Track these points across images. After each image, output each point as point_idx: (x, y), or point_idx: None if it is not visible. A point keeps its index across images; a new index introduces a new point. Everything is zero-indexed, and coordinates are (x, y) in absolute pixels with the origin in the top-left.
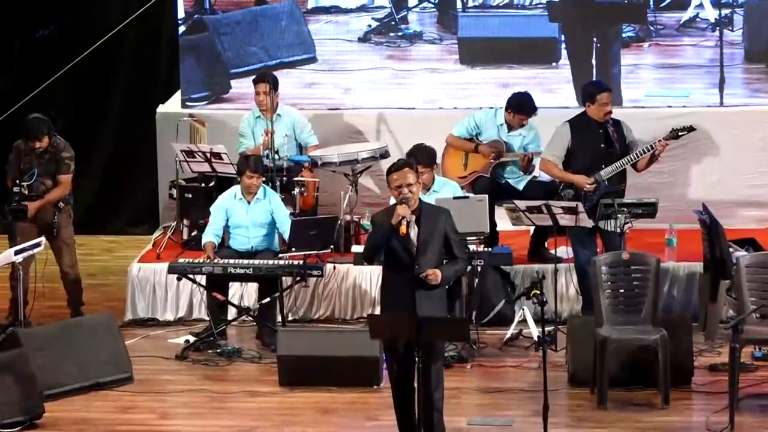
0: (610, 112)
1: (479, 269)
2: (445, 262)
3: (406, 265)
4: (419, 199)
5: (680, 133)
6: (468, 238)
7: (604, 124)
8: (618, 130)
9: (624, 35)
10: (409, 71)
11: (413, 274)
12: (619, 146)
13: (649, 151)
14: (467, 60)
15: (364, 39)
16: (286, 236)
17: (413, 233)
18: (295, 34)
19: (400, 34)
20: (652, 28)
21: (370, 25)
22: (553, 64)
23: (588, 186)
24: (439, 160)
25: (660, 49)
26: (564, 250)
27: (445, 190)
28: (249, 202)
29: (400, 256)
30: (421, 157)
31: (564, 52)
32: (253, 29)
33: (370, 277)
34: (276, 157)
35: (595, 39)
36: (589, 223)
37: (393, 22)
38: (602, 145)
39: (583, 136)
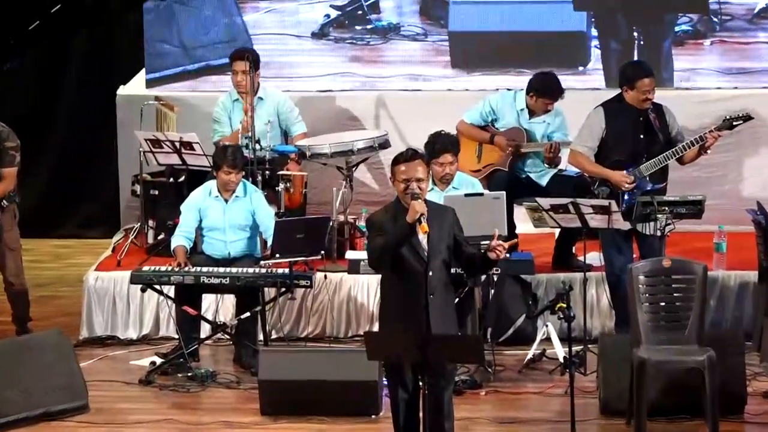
0: (651, 100)
1: (495, 279)
2: (452, 271)
3: (417, 272)
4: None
5: (735, 123)
6: (482, 242)
7: (644, 110)
8: (660, 117)
9: (677, 29)
10: (381, 78)
11: (425, 282)
12: (662, 136)
13: (697, 143)
14: (461, 63)
15: (319, 34)
16: (270, 240)
17: (422, 235)
18: (224, 28)
19: (369, 27)
20: (715, 19)
21: (328, 15)
22: (580, 68)
23: (627, 184)
24: None
25: (726, 48)
26: (595, 257)
27: (464, 187)
28: (226, 201)
29: (409, 262)
30: (448, 144)
31: (595, 52)
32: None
33: (367, 288)
34: (257, 147)
35: (637, 34)
36: (624, 226)
37: (360, 11)
38: (642, 135)
39: (619, 123)
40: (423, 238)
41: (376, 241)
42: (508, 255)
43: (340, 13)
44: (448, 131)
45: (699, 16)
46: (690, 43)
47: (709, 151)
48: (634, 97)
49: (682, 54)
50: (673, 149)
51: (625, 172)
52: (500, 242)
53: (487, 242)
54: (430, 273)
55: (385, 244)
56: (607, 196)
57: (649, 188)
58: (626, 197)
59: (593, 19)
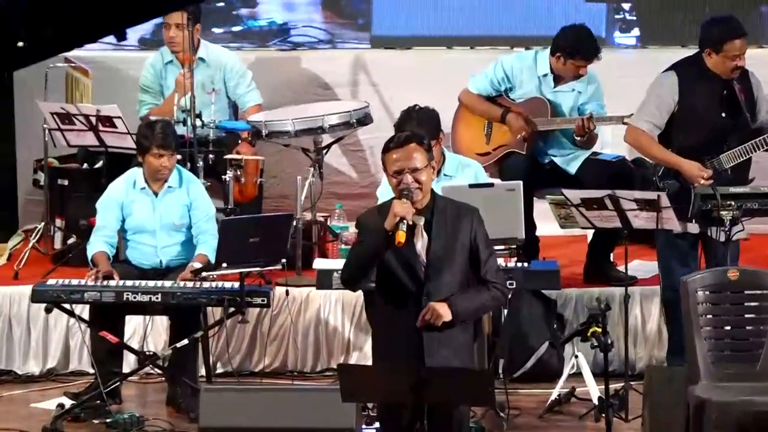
0: (741, 68)
1: (510, 295)
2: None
3: (410, 293)
4: (432, 192)
5: None
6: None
7: (728, 80)
8: (745, 87)
9: None
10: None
11: (418, 308)
12: (750, 115)
13: None
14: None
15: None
16: (212, 245)
17: (420, 244)
18: None
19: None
20: None
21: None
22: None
23: (703, 179)
24: (447, 129)
25: None
26: (641, 266)
27: (463, 173)
28: (156, 194)
29: (399, 280)
30: (419, 124)
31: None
32: None
33: (341, 308)
34: (198, 123)
35: None
36: (676, 227)
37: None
38: (724, 114)
39: (697, 95)
40: (420, 249)
41: (352, 252)
42: (525, 264)
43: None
44: (423, 106)
45: None
46: None
47: None
48: (719, 63)
49: None
50: (764, 138)
51: (699, 162)
52: (435, 306)
53: (500, 252)
54: (425, 297)
55: (357, 257)
56: (676, 192)
57: (731, 184)
58: None
59: None
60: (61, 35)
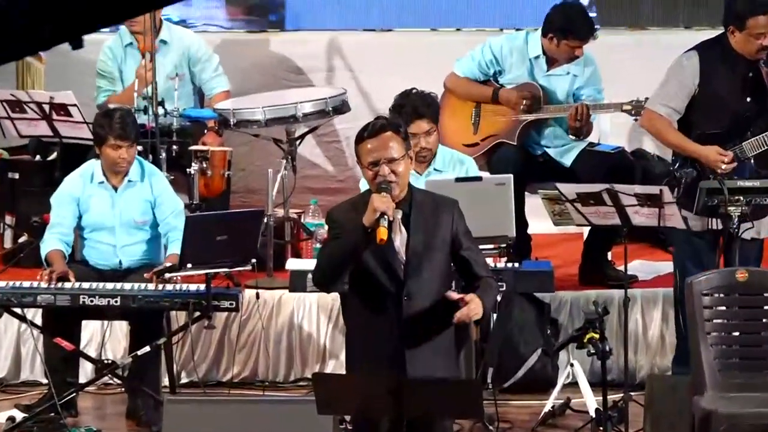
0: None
1: (499, 299)
2: (450, 288)
3: (388, 293)
4: (409, 184)
5: None
6: (481, 247)
7: (754, 61)
8: None
9: None
10: None
11: (398, 309)
12: None
13: None
14: None
15: None
16: (173, 246)
17: (399, 240)
18: None
19: None
20: None
21: None
22: None
23: (724, 164)
24: None
25: None
26: (640, 266)
27: (454, 171)
28: (116, 188)
29: (377, 279)
30: (422, 106)
31: None
32: None
33: (317, 313)
34: (160, 111)
35: None
36: (680, 224)
37: None
38: (749, 98)
39: (719, 78)
40: (399, 246)
41: (324, 250)
42: (516, 265)
43: None
44: (426, 90)
45: None
46: None
47: None
48: (743, 42)
49: None
50: None
51: (720, 148)
52: (459, 297)
53: (488, 251)
54: (406, 297)
55: (331, 256)
56: (693, 181)
57: (755, 175)
58: None
59: None
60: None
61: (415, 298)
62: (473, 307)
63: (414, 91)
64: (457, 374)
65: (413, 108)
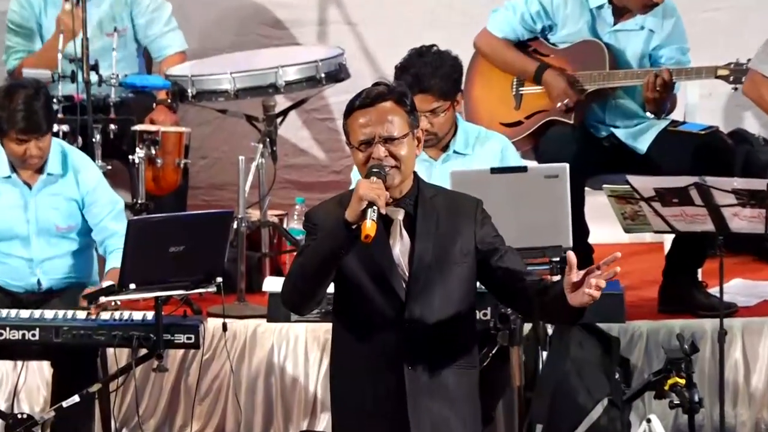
0: None
1: (550, 332)
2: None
3: (385, 319)
4: (415, 175)
5: None
6: (526, 260)
7: None
8: None
9: None
10: None
11: (397, 338)
12: None
13: None
14: None
15: None
16: (116, 257)
17: (400, 248)
18: None
19: None
20: None
21: None
22: None
23: None
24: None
25: None
26: (741, 288)
27: (482, 151)
28: (30, 186)
29: (370, 299)
30: (429, 77)
31: None
32: None
33: (304, 349)
34: (93, 78)
35: None
36: None
37: None
38: None
39: None
40: (399, 255)
41: (298, 259)
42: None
43: None
44: (439, 48)
45: None
46: None
47: None
48: None
49: None
50: None
51: None
52: (596, 271)
53: (536, 267)
54: (408, 324)
55: (303, 265)
56: None
57: None
58: None
59: None
60: None
61: (421, 326)
62: (595, 290)
63: (432, 49)
64: (490, 429)
65: (416, 76)
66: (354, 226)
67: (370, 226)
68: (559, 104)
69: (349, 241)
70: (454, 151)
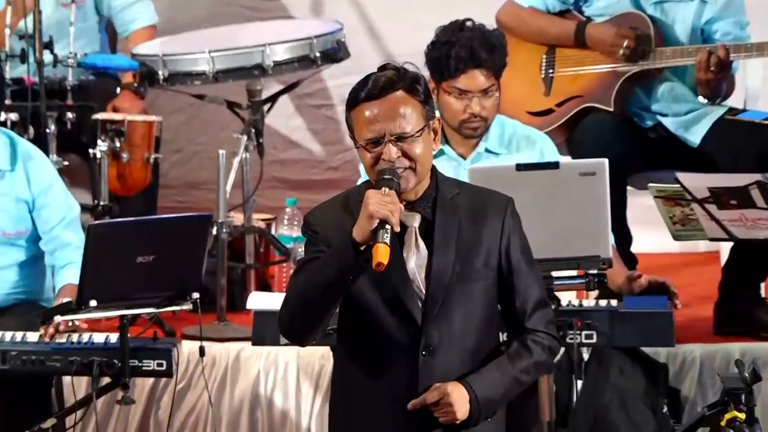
0: None
1: (587, 357)
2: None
3: (397, 346)
4: (434, 172)
5: None
6: (555, 274)
7: None
8: None
9: None
10: None
11: (411, 368)
12: None
13: None
14: None
15: None
16: (73, 271)
17: (415, 260)
18: None
19: None
20: None
21: None
22: None
23: None
24: None
25: None
26: None
27: (520, 152)
28: None
29: (380, 323)
30: (479, 48)
31: None
32: None
33: (295, 376)
34: (47, 58)
35: None
36: None
37: None
38: None
39: None
40: (415, 270)
41: (298, 279)
42: (615, 302)
43: None
44: (480, 22)
45: None
46: None
47: None
48: None
49: None
50: None
51: None
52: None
53: (569, 281)
54: (424, 353)
55: (305, 288)
56: None
57: None
58: None
59: None
60: None
61: (439, 354)
62: (431, 399)
63: (469, 23)
64: None
65: (470, 50)
66: (363, 247)
67: (382, 252)
68: (621, 51)
69: (358, 266)
70: (486, 149)
